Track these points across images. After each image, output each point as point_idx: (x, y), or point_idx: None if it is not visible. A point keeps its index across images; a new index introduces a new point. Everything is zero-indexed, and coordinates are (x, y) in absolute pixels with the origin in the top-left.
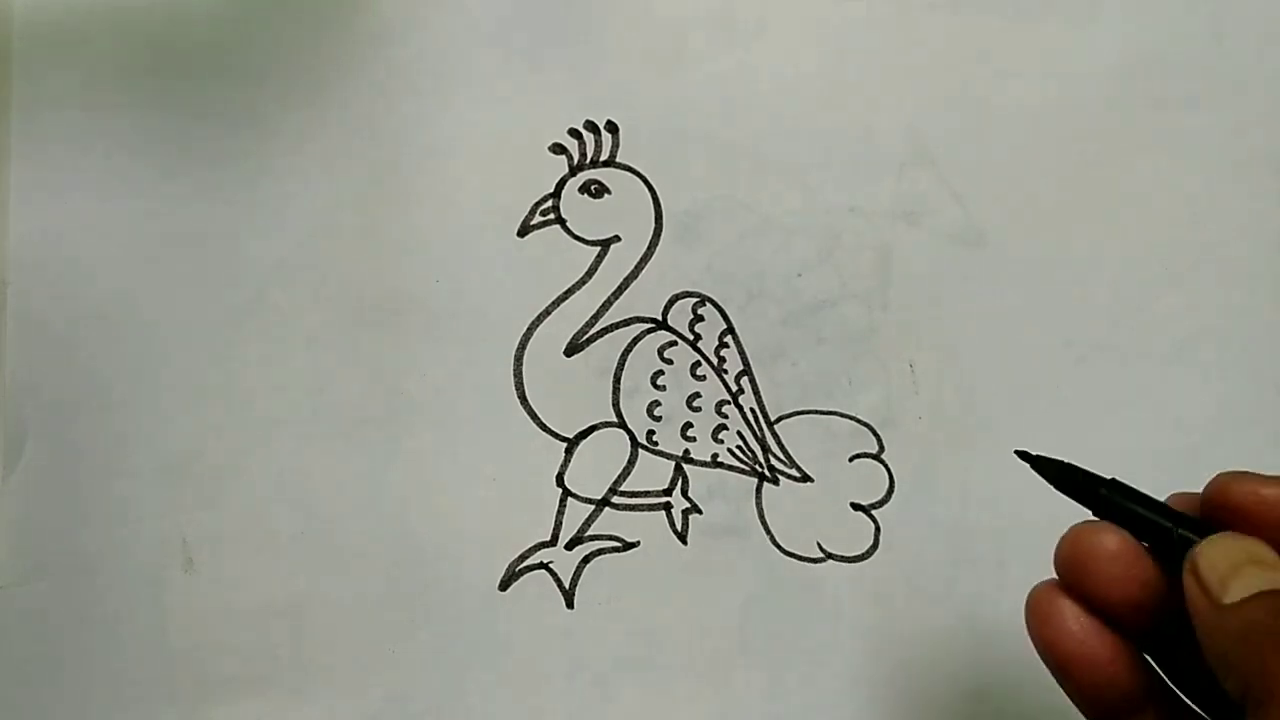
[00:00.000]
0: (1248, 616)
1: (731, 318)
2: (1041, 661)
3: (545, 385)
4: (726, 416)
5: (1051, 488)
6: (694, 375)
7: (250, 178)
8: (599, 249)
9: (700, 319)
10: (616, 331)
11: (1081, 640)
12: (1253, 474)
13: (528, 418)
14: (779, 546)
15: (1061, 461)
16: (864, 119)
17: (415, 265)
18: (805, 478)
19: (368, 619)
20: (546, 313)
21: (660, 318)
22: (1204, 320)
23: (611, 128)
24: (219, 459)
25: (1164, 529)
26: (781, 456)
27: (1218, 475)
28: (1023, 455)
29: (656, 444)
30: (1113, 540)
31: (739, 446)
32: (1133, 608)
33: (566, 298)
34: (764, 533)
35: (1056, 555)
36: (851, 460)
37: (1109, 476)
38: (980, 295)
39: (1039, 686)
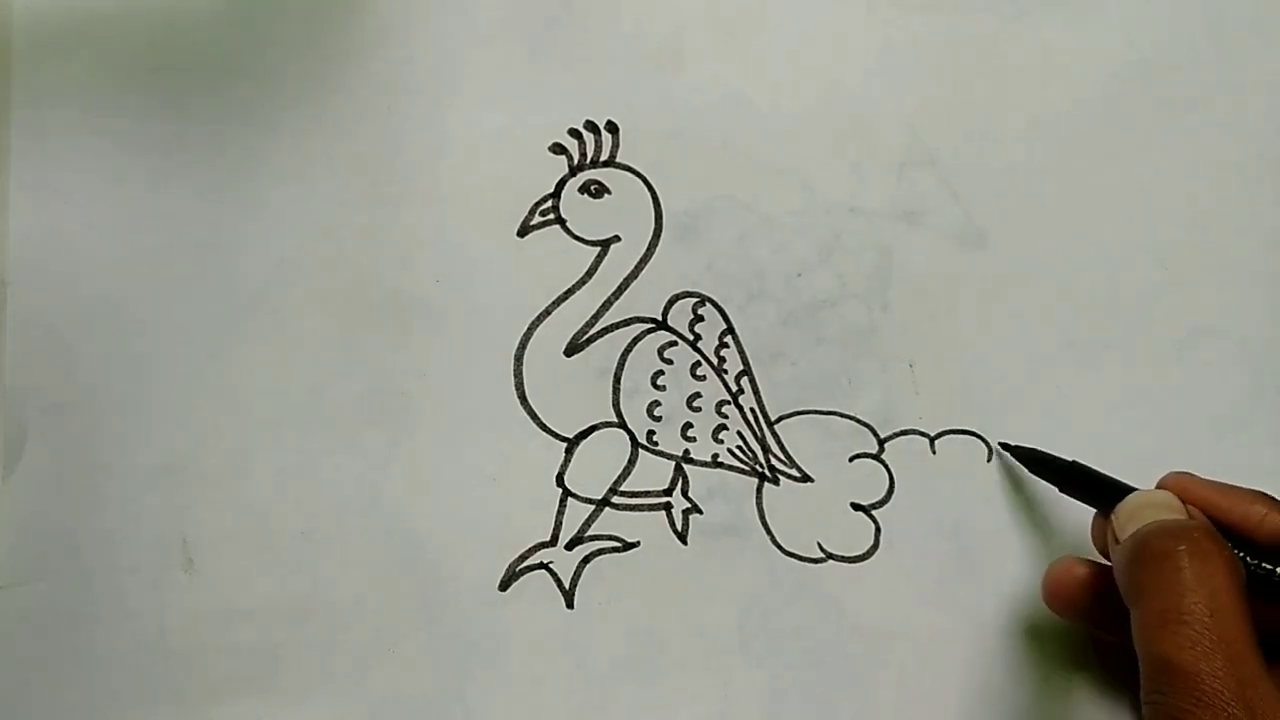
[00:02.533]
0: (1128, 545)
1: (731, 318)
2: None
3: (545, 385)
4: (726, 416)
5: (1058, 489)
6: (694, 375)
7: (250, 178)
8: (599, 249)
9: (700, 319)
10: (616, 331)
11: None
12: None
13: (528, 418)
14: (779, 546)
15: (1035, 449)
16: (864, 119)
17: (415, 265)
18: (805, 478)
19: (368, 619)
20: (546, 313)
21: (660, 318)
22: (1204, 320)
23: (611, 128)
24: (219, 459)
25: (1118, 497)
26: (781, 456)
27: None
28: (1004, 446)
29: (656, 444)
30: (1081, 569)
31: (739, 446)
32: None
33: (566, 298)
34: (764, 533)
35: (1043, 587)
36: (851, 460)
37: (1070, 459)
38: (980, 295)
39: (1038, 686)
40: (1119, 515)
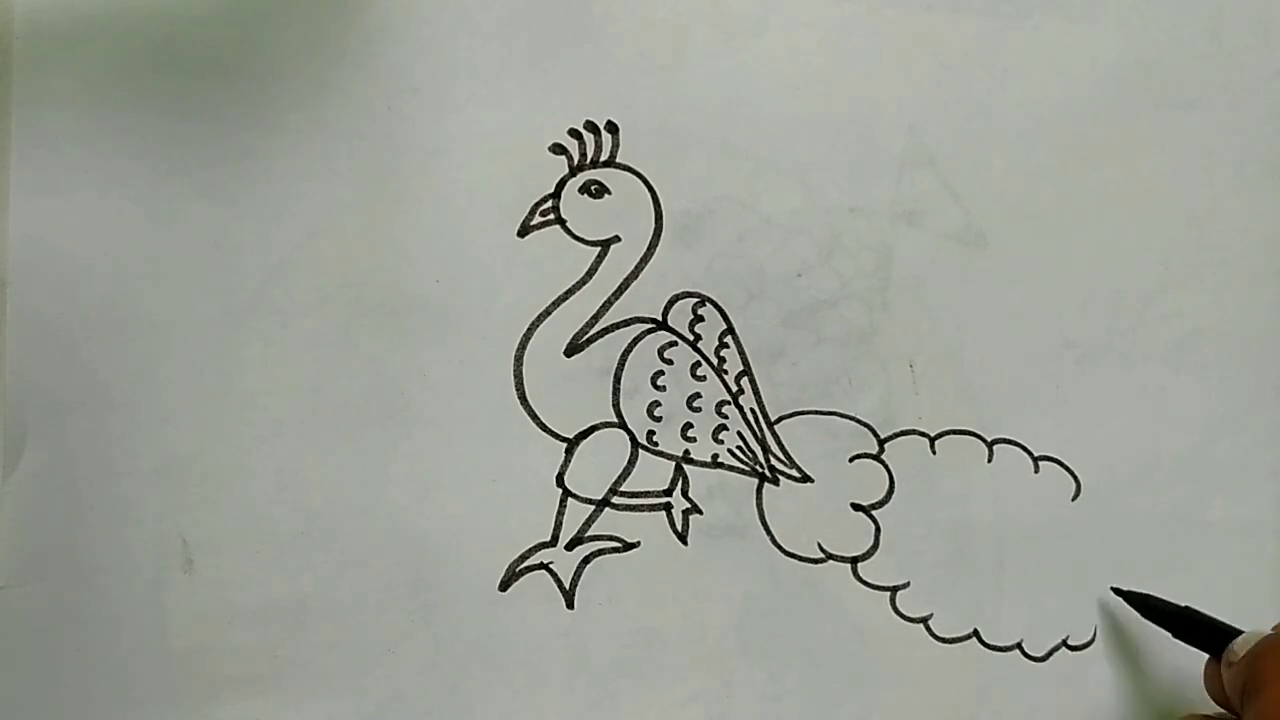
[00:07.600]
0: (1246, 655)
1: (731, 318)
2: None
3: (545, 385)
4: (727, 417)
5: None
6: (694, 375)
7: (250, 178)
8: (599, 249)
9: (700, 319)
10: (616, 331)
11: None
12: None
13: (528, 418)
14: (779, 546)
15: (1148, 595)
16: (864, 119)
17: (415, 265)
18: (805, 478)
19: (368, 619)
20: (546, 313)
21: (660, 318)
22: (1204, 320)
23: (611, 128)
24: (219, 459)
25: (1228, 639)
26: (781, 456)
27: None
28: (1117, 591)
29: (656, 444)
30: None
31: (739, 447)
32: None
33: (566, 298)
34: (764, 533)
35: None
36: (851, 460)
37: (1183, 605)
38: (980, 295)
39: (1036, 687)
40: (1235, 647)
